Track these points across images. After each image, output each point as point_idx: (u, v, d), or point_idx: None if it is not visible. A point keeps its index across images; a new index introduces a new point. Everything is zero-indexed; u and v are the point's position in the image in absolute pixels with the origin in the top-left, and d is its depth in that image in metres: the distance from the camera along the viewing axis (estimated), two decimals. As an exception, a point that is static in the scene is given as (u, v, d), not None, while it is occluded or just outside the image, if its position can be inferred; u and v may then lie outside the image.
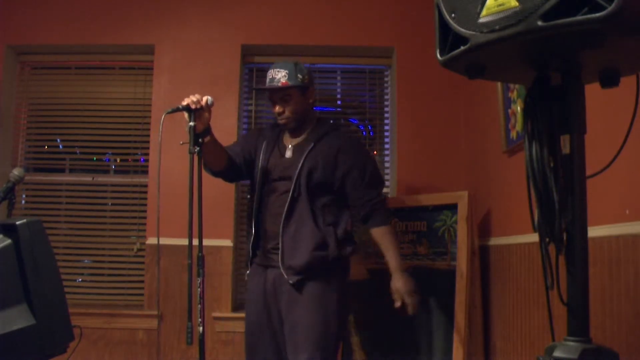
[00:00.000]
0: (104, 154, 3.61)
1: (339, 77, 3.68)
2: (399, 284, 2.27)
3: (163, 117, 2.08)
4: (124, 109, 3.57)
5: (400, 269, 2.30)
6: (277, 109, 2.36)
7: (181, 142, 2.15)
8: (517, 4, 1.03)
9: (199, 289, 2.07)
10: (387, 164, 3.53)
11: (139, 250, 3.43)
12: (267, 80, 2.36)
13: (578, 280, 1.14)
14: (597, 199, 1.41)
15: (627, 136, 1.28)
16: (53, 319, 1.69)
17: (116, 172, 3.60)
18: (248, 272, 2.46)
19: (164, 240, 3.24)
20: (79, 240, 3.49)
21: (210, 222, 3.19)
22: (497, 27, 1.06)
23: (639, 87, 1.22)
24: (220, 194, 3.26)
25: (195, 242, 2.07)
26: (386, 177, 3.52)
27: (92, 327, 3.20)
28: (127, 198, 3.52)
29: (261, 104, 3.58)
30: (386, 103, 3.58)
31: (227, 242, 3.30)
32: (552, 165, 1.16)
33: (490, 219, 2.87)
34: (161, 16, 3.49)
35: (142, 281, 3.36)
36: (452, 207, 2.77)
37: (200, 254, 2.09)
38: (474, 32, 1.11)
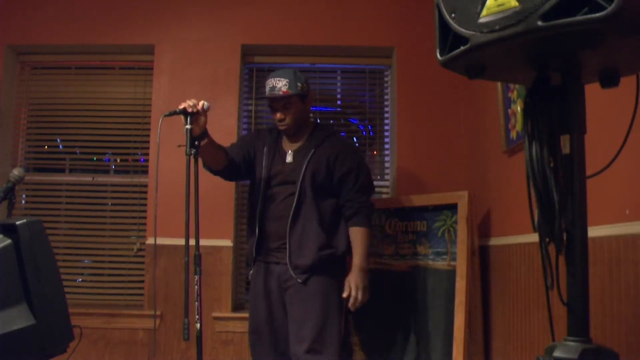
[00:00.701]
0: (104, 154, 3.61)
1: (339, 77, 3.68)
2: (353, 277, 2.38)
3: (161, 120, 2.17)
4: (124, 109, 3.57)
5: (360, 267, 2.39)
6: (279, 116, 2.47)
7: (178, 145, 2.24)
8: (517, 4, 1.03)
9: (196, 287, 2.11)
10: (387, 164, 3.53)
11: (139, 250, 3.43)
12: (268, 88, 2.45)
13: (578, 280, 1.14)
14: (597, 199, 1.41)
15: (627, 136, 1.28)
16: (53, 319, 1.69)
17: (116, 172, 3.60)
18: (252, 271, 2.54)
19: (164, 240, 3.24)
20: (79, 240, 3.49)
21: (210, 222, 3.22)
22: (497, 27, 1.06)
23: (639, 87, 1.22)
24: (221, 194, 3.27)
25: (192, 241, 2.11)
26: (386, 176, 3.52)
27: (92, 327, 3.20)
28: (127, 198, 3.52)
29: (261, 104, 3.58)
30: (386, 103, 3.58)
31: (227, 242, 3.30)
32: (552, 165, 1.16)
33: (490, 219, 2.87)
34: (161, 16, 3.49)
35: (142, 281, 3.36)
36: (452, 207, 2.77)
37: (197, 253, 2.14)
38: (474, 32, 1.11)
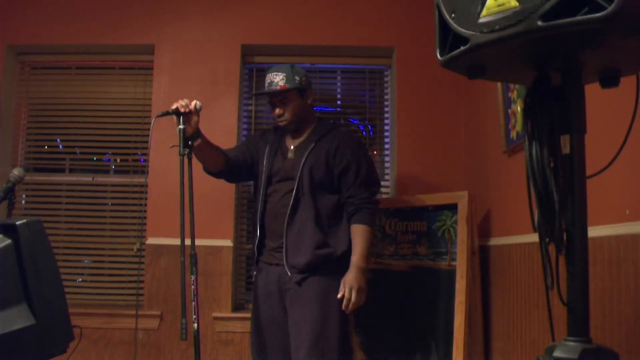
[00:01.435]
0: (104, 154, 3.61)
1: (339, 77, 3.68)
2: (349, 277, 2.28)
3: (153, 120, 2.18)
4: (124, 109, 3.57)
5: (357, 266, 2.29)
6: (277, 111, 2.43)
7: (171, 146, 2.23)
8: (517, 4, 1.03)
9: (192, 287, 2.11)
10: (387, 164, 3.53)
11: (139, 250, 3.43)
12: (266, 84, 2.43)
13: (578, 280, 1.14)
14: (597, 199, 1.41)
15: (627, 136, 1.28)
16: (53, 319, 1.69)
17: (116, 172, 3.60)
18: (255, 272, 2.51)
19: (164, 240, 3.24)
20: (79, 240, 3.49)
21: (210, 222, 3.22)
22: (497, 27, 1.06)
23: (639, 87, 1.22)
24: (221, 194, 3.27)
25: (188, 241, 2.11)
26: (386, 177, 3.52)
27: (92, 327, 3.20)
28: (127, 198, 3.52)
29: (261, 104, 3.58)
30: (386, 103, 3.58)
31: (227, 242, 3.30)
32: (552, 165, 1.16)
33: (490, 219, 2.87)
34: (161, 16, 3.49)
35: (142, 281, 3.36)
36: (452, 207, 2.77)
37: (192, 252, 2.13)
38: (474, 32, 1.11)
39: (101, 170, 3.59)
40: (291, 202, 2.35)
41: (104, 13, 3.49)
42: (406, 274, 2.88)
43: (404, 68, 3.43)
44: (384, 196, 3.46)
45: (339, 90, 3.69)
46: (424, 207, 2.89)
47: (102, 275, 3.49)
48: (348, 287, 2.25)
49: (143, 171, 3.52)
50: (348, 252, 2.37)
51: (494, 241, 2.76)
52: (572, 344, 1.12)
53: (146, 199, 2.56)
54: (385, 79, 3.62)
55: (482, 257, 2.81)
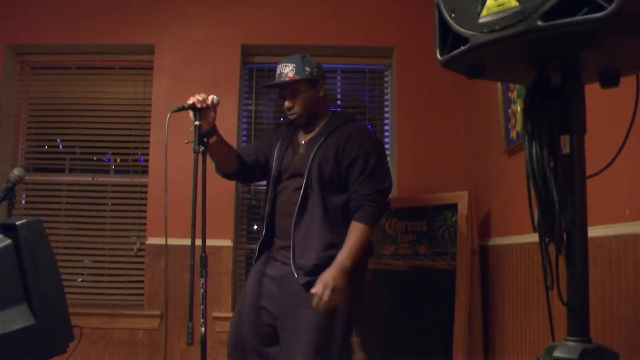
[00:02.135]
0: (104, 154, 3.61)
1: (339, 77, 3.68)
2: (327, 274, 2.06)
3: (169, 115, 2.07)
4: (124, 109, 3.57)
5: (340, 264, 2.08)
6: (287, 104, 2.28)
7: (186, 142, 2.14)
8: (517, 4, 1.03)
9: (201, 290, 2.05)
10: (387, 164, 3.53)
11: (139, 250, 3.43)
12: (276, 76, 2.30)
13: (578, 280, 1.14)
14: (597, 199, 1.41)
15: (627, 136, 1.28)
16: (53, 319, 1.69)
17: (116, 172, 3.60)
18: (255, 263, 2.36)
19: (164, 240, 3.23)
20: (79, 240, 3.49)
21: (210, 222, 3.20)
22: (497, 27, 1.06)
23: (639, 87, 1.22)
24: (220, 194, 3.26)
25: (198, 242, 2.06)
26: (386, 177, 3.51)
27: (92, 327, 3.20)
28: (127, 198, 3.52)
29: (261, 103, 3.58)
30: (386, 103, 3.58)
31: (227, 242, 3.30)
32: (552, 165, 1.16)
33: (490, 219, 2.87)
34: (161, 16, 3.49)
35: (142, 281, 3.36)
36: (452, 207, 2.77)
37: (203, 255, 2.08)
38: (474, 32, 1.11)
39: (101, 170, 3.58)
40: (299, 200, 2.20)
41: (104, 13, 3.49)
42: (406, 274, 2.88)
43: (404, 68, 3.43)
44: (384, 196, 3.46)
45: (339, 90, 3.69)
46: (424, 207, 2.89)
47: (102, 275, 3.49)
48: (323, 285, 2.03)
49: (143, 171, 3.52)
50: (362, 257, 2.21)
51: (494, 241, 2.76)
52: (572, 344, 1.12)
53: (167, 196, 2.42)
54: (385, 79, 3.62)
55: (482, 257, 2.81)
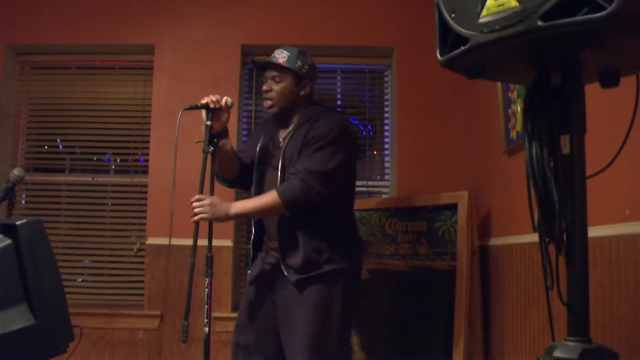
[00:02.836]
0: (104, 154, 3.61)
1: (339, 77, 3.68)
2: (217, 198, 2.09)
3: (180, 113, 2.07)
4: (124, 109, 3.57)
5: (230, 204, 2.09)
6: (266, 87, 2.23)
7: (196, 141, 2.12)
8: (517, 4, 1.03)
9: (206, 290, 2.03)
10: (387, 164, 3.53)
11: (139, 250, 3.43)
12: (270, 58, 2.28)
13: (578, 280, 1.14)
14: (597, 199, 1.41)
15: (627, 136, 1.28)
16: (53, 319, 1.69)
17: (116, 172, 3.60)
18: (249, 270, 2.34)
19: (165, 240, 3.24)
20: (79, 240, 3.49)
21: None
22: (497, 27, 1.06)
23: (639, 87, 1.22)
24: (220, 194, 3.24)
25: (201, 242, 2.03)
26: (386, 177, 3.52)
27: (92, 327, 3.20)
28: (127, 198, 3.52)
29: (261, 103, 3.57)
30: (386, 103, 3.58)
31: (227, 242, 3.30)
32: (552, 165, 1.16)
33: (490, 219, 2.87)
34: (161, 16, 3.49)
35: (142, 281, 3.36)
36: (452, 207, 2.77)
37: (209, 254, 2.06)
38: (474, 32, 1.11)
39: (101, 170, 3.59)
40: None
41: (104, 13, 3.49)
42: (406, 274, 2.88)
43: (404, 68, 3.43)
44: (384, 196, 3.46)
45: (339, 90, 3.69)
46: (424, 207, 2.89)
47: (102, 275, 3.49)
48: (209, 200, 2.05)
49: (143, 171, 3.52)
50: (351, 249, 2.19)
51: (494, 241, 2.76)
52: (572, 344, 1.12)
53: (174, 195, 2.36)
54: (385, 79, 3.62)
55: (482, 257, 2.81)
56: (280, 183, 2.12)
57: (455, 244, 2.71)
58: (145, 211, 3.40)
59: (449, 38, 1.19)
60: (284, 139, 2.25)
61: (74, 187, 3.54)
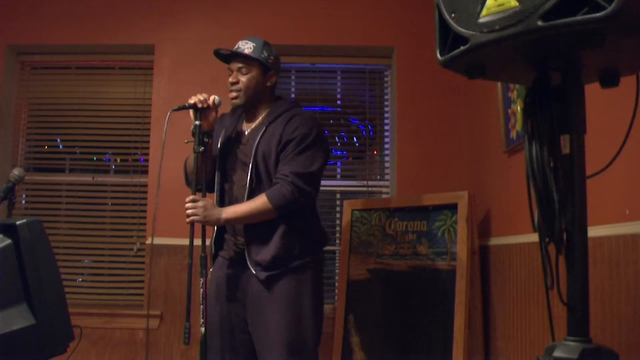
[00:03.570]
0: (104, 154, 3.61)
1: (339, 77, 3.68)
2: (211, 202, 2.10)
3: (169, 114, 2.09)
4: (124, 109, 3.57)
5: (222, 210, 2.09)
6: (232, 78, 2.20)
7: (186, 141, 2.15)
8: (517, 4, 1.03)
9: (201, 290, 2.05)
10: (387, 164, 3.53)
11: (139, 250, 3.43)
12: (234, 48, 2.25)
13: (578, 280, 1.14)
14: (597, 199, 1.41)
15: (627, 136, 1.28)
16: (53, 319, 1.69)
17: (116, 172, 3.60)
18: (211, 269, 2.28)
19: (164, 240, 3.24)
20: (79, 240, 3.49)
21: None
22: (497, 27, 1.06)
23: (639, 87, 1.22)
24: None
25: (196, 242, 2.06)
26: (386, 177, 3.52)
27: (92, 327, 3.20)
28: (127, 198, 3.52)
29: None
30: (386, 103, 3.58)
31: (227, 242, 3.30)
32: (552, 165, 1.16)
33: (490, 219, 2.87)
34: (161, 16, 3.49)
35: (142, 281, 3.35)
36: (452, 207, 2.77)
37: (202, 254, 2.08)
38: (474, 32, 1.11)
39: (101, 170, 3.59)
40: (246, 194, 2.12)
41: (104, 13, 3.49)
42: (406, 274, 2.88)
43: (404, 68, 3.43)
44: (384, 196, 3.46)
45: (339, 90, 3.69)
46: (424, 207, 2.89)
47: (102, 275, 3.49)
48: (202, 202, 2.06)
49: (143, 171, 3.52)
50: (319, 242, 2.22)
51: (494, 241, 2.76)
52: (572, 344, 1.12)
53: (158, 195, 2.45)
54: (385, 79, 3.62)
55: (482, 257, 2.81)
56: (250, 182, 2.12)
57: (455, 244, 2.71)
58: (145, 211, 3.40)
59: (448, 38, 1.18)
60: (251, 134, 2.22)
61: (74, 187, 3.54)
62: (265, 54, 2.20)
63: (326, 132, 3.43)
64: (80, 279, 3.52)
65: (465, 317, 2.58)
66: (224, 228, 2.24)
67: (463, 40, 1.14)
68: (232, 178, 2.22)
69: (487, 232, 2.89)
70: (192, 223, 2.06)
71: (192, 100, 2.09)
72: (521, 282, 2.37)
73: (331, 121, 3.66)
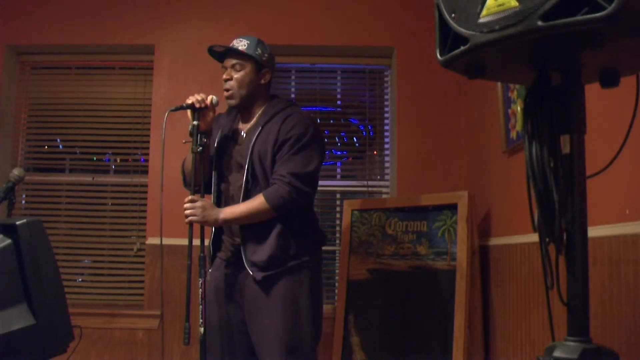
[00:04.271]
0: (104, 154, 3.61)
1: (339, 77, 3.68)
2: (209, 202, 2.11)
3: (167, 114, 2.09)
4: (124, 109, 3.57)
5: (220, 210, 2.09)
6: (226, 75, 2.19)
7: (184, 141, 2.16)
8: (517, 4, 1.03)
9: (200, 290, 2.05)
10: (387, 164, 3.53)
11: (139, 250, 3.43)
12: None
13: (578, 280, 1.14)
14: (597, 199, 1.41)
15: (627, 136, 1.28)
16: (53, 319, 1.69)
17: (116, 172, 3.60)
18: (210, 269, 2.27)
19: (164, 240, 3.23)
20: (79, 240, 3.49)
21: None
22: (497, 27, 1.06)
23: (639, 87, 1.22)
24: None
25: (195, 242, 2.07)
26: (386, 177, 3.52)
27: (92, 327, 3.20)
28: (127, 198, 3.52)
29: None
30: (386, 103, 3.58)
31: (227, 242, 3.30)
32: (552, 165, 1.16)
33: (490, 219, 2.87)
34: (161, 16, 3.49)
35: (142, 281, 3.36)
36: (452, 207, 2.77)
37: (201, 255, 2.08)
38: (474, 32, 1.11)
39: (101, 170, 3.59)
40: (242, 194, 2.11)
41: (104, 13, 3.49)
42: (406, 274, 2.88)
43: (404, 68, 3.43)
44: (384, 196, 3.46)
45: (339, 90, 3.69)
46: (424, 207, 2.89)
47: (102, 275, 3.49)
48: (200, 203, 2.06)
49: (143, 171, 3.52)
50: (316, 243, 2.21)
51: (494, 241, 2.76)
52: (572, 344, 1.12)
53: (162, 195, 2.42)
54: (385, 79, 3.62)
55: (482, 257, 2.81)
56: (246, 182, 2.11)
57: (455, 244, 2.71)
58: (145, 211, 3.40)
59: (448, 38, 1.18)
60: (247, 134, 2.21)
61: (74, 187, 3.54)
62: (259, 51, 2.20)
63: (326, 132, 3.52)
64: (80, 279, 3.52)
65: (465, 317, 2.58)
66: (221, 229, 2.24)
67: (463, 40, 1.14)
68: (228, 178, 2.22)
69: (487, 232, 2.89)
70: (190, 223, 2.06)
71: (189, 101, 2.09)
72: (521, 282, 2.37)
73: (331, 121, 3.66)
